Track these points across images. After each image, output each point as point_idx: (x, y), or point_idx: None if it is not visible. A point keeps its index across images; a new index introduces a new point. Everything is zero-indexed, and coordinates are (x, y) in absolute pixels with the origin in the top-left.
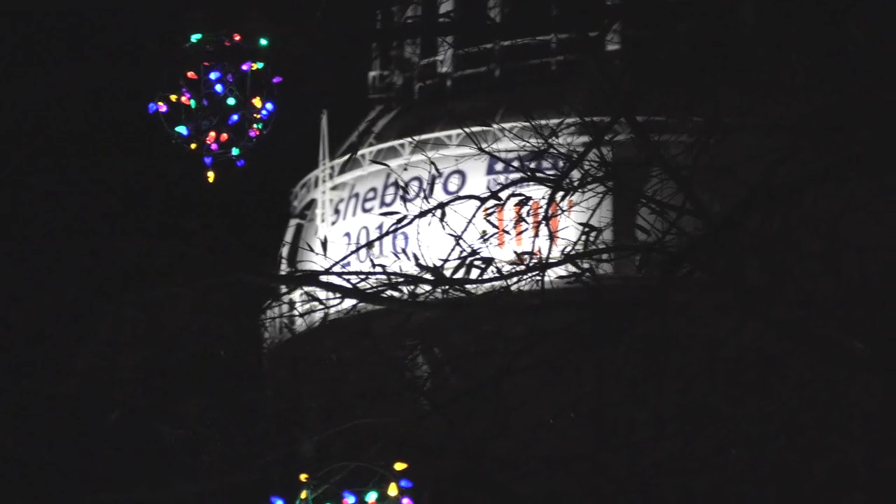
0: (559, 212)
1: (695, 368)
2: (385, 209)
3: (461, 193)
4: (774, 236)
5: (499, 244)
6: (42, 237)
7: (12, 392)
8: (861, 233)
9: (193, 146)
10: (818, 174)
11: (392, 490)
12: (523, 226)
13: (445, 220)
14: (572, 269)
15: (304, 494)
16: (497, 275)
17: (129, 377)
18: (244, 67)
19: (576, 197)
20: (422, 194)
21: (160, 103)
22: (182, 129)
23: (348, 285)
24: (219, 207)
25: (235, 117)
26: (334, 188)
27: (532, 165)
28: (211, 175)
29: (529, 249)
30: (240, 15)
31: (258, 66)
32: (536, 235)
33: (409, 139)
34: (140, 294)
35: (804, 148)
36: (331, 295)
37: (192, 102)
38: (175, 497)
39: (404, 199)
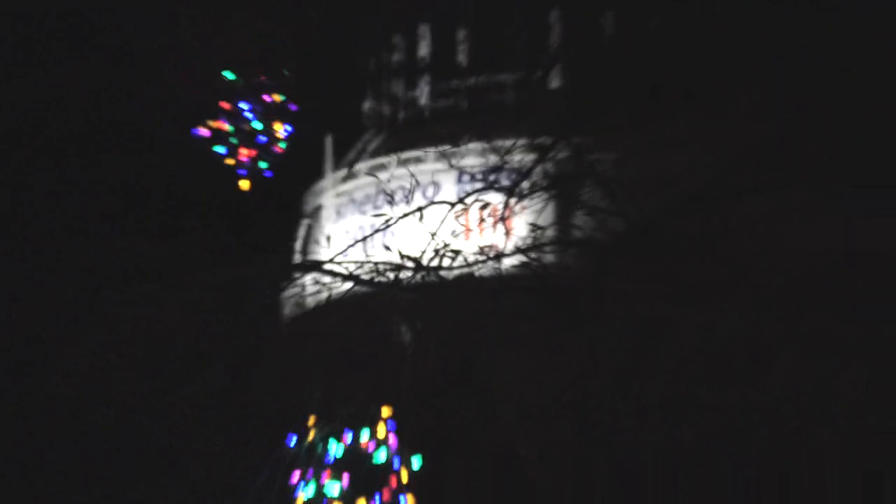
0: (512, 214)
1: (680, 357)
2: (376, 211)
3: (436, 199)
4: (710, 237)
5: (465, 239)
6: (42, 237)
7: (12, 392)
8: (798, 235)
9: (231, 161)
10: (757, 184)
11: (381, 430)
12: (484, 225)
13: (423, 219)
14: (523, 258)
15: (312, 433)
16: (464, 263)
17: (125, 375)
18: (267, 99)
19: (525, 202)
20: (405, 200)
21: (202, 128)
22: (220, 149)
23: (346, 272)
24: (218, 207)
25: (263, 138)
26: (337, 195)
27: (491, 178)
28: (245, 183)
29: (489, 243)
30: (231, 16)
31: (280, 97)
32: (494, 232)
33: (395, 156)
34: (137, 292)
35: (745, 160)
36: (333, 279)
37: (230, 127)
38: (171, 495)
39: (391, 204)
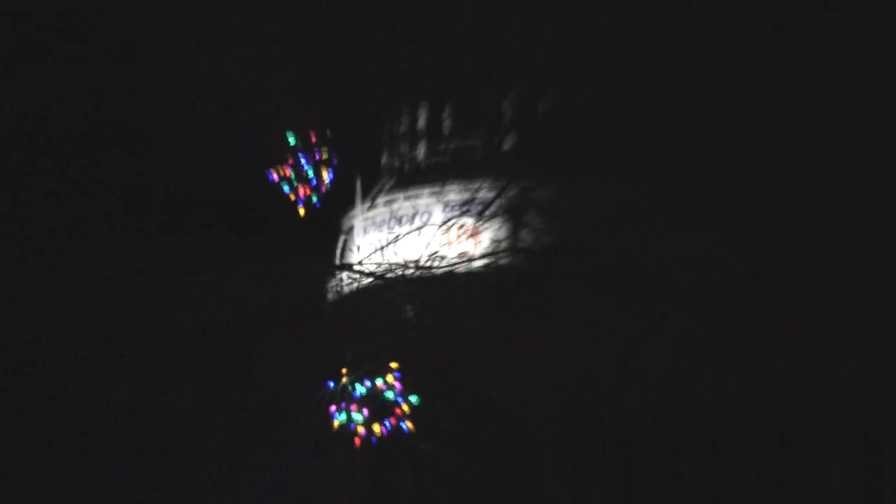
0: (479, 231)
1: (680, 338)
2: (390, 230)
3: (429, 222)
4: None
5: (448, 248)
6: (42, 237)
7: (12, 392)
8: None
9: (292, 196)
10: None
11: (389, 377)
12: (460, 239)
13: (420, 235)
14: (487, 261)
15: (344, 379)
16: (447, 265)
17: (125, 375)
18: (317, 154)
19: (488, 223)
20: (409, 222)
21: (273, 172)
22: (285, 186)
23: (368, 271)
24: (218, 208)
25: (314, 180)
26: (363, 219)
27: (466, 207)
28: (302, 210)
29: (464, 251)
30: (231, 16)
31: (325, 152)
32: (467, 243)
33: (402, 193)
34: (144, 292)
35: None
36: (360, 276)
37: (292, 173)
38: (171, 495)
39: (399, 225)
